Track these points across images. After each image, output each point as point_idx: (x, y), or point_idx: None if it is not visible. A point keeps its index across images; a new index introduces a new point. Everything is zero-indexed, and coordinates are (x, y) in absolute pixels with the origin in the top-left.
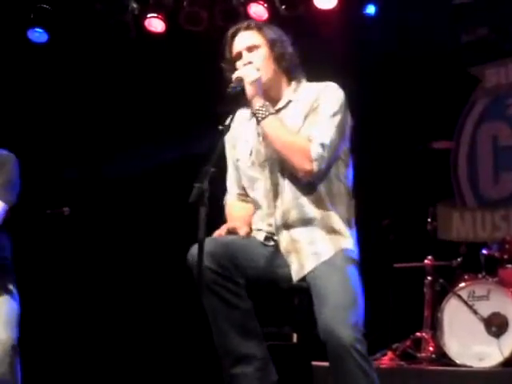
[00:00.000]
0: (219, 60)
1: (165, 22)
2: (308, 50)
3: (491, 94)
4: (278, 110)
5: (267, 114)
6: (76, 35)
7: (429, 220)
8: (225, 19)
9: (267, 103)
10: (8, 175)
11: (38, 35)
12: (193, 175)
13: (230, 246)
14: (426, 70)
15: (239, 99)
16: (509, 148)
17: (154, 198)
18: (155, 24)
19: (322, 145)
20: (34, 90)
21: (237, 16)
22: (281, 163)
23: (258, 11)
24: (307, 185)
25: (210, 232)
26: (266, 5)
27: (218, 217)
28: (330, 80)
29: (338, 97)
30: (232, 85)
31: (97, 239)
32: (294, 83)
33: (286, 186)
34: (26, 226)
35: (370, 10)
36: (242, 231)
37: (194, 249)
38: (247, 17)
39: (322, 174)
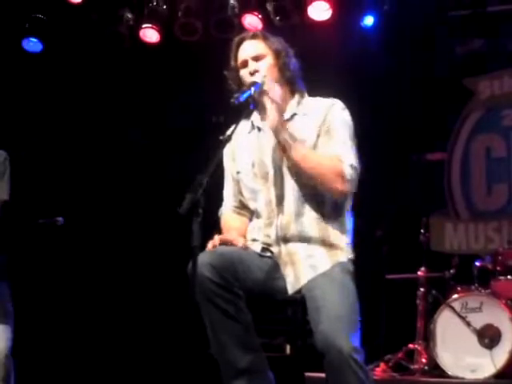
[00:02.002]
0: (214, 70)
1: (159, 32)
2: (302, 62)
3: (485, 106)
4: None
5: (294, 141)
6: (71, 45)
7: (422, 231)
8: (219, 30)
9: (290, 132)
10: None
11: (32, 45)
12: (189, 181)
13: (230, 257)
14: (420, 81)
15: (243, 110)
16: (502, 160)
17: (149, 207)
18: (150, 34)
19: (352, 166)
20: (28, 100)
21: (231, 26)
22: (292, 177)
23: (253, 22)
24: (313, 201)
25: (204, 242)
26: (260, 16)
27: (213, 227)
28: (325, 91)
29: (348, 118)
30: (236, 95)
31: (90, 249)
32: (297, 96)
33: (289, 199)
34: (19, 236)
35: (368, 21)
36: (239, 243)
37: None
38: (241, 27)
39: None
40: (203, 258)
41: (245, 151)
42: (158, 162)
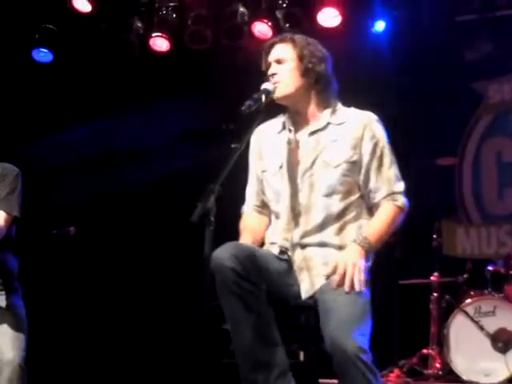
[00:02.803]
0: (224, 77)
1: (169, 40)
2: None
3: (495, 110)
4: (315, 132)
5: (366, 244)
6: (81, 55)
7: (434, 236)
8: (229, 38)
9: (363, 239)
10: (11, 187)
11: (42, 55)
12: (200, 189)
13: (252, 251)
14: (430, 86)
15: (254, 117)
16: None
17: (160, 215)
18: (160, 43)
19: (401, 192)
20: (39, 110)
21: (241, 34)
22: (313, 182)
23: (263, 30)
24: (339, 214)
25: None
26: (269, 23)
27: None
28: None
29: (384, 132)
30: (247, 102)
31: (103, 258)
32: (331, 106)
33: (316, 212)
34: (33, 246)
35: (379, 26)
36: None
37: (218, 252)
38: (251, 35)
39: None
40: (226, 250)
41: (273, 151)
42: (170, 170)
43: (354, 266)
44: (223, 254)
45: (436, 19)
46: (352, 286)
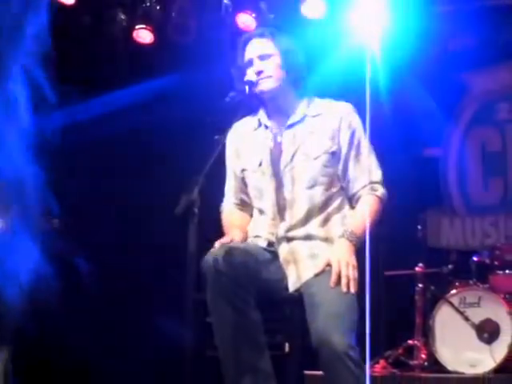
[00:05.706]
0: (208, 69)
1: (153, 32)
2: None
3: (479, 100)
4: (293, 125)
5: (355, 238)
6: (63, 47)
7: (419, 227)
8: (213, 29)
9: (350, 233)
10: None
11: None
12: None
13: (244, 254)
14: (414, 77)
15: (237, 109)
16: (497, 154)
17: (143, 207)
18: (143, 35)
19: (379, 181)
20: None
21: (225, 26)
22: (295, 176)
23: (247, 21)
24: (322, 206)
25: (201, 242)
26: (254, 15)
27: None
28: (323, 90)
29: (360, 122)
30: (231, 94)
31: (87, 251)
32: (306, 98)
33: (300, 205)
34: None
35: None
36: (237, 238)
37: (211, 255)
38: (235, 27)
39: None
40: (218, 252)
41: (251, 149)
42: (153, 164)
43: (348, 264)
44: (216, 256)
45: (419, 9)
46: (348, 286)
